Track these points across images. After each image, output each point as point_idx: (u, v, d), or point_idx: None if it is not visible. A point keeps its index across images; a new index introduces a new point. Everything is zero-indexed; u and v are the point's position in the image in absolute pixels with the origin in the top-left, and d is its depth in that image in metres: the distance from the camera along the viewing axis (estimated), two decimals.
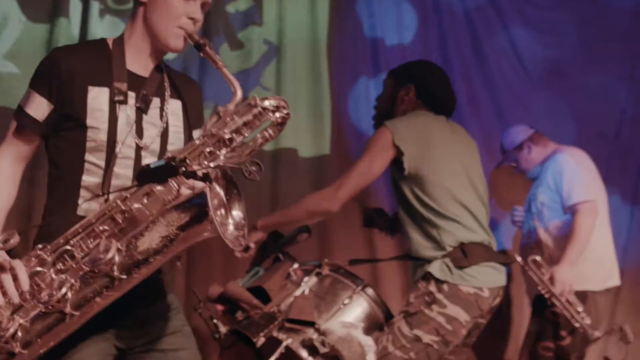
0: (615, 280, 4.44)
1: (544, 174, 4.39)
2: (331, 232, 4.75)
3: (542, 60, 5.49)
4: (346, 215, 4.75)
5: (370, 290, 3.24)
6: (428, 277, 3.13)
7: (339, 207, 3.19)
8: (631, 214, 5.53)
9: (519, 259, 4.18)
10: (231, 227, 2.03)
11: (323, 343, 2.95)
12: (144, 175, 1.96)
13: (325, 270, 3.25)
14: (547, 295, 4.06)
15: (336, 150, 4.82)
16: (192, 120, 2.34)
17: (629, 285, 5.48)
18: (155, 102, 2.27)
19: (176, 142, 2.28)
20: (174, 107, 2.31)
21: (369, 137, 4.75)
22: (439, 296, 3.09)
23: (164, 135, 2.26)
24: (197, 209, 1.94)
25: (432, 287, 3.11)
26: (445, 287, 3.10)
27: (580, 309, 4.10)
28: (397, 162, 3.21)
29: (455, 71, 5.06)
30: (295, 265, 3.27)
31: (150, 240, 1.96)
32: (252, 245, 3.29)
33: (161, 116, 2.26)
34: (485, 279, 3.16)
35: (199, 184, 1.97)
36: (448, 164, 3.24)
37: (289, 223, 3.32)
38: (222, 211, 2.02)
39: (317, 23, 4.97)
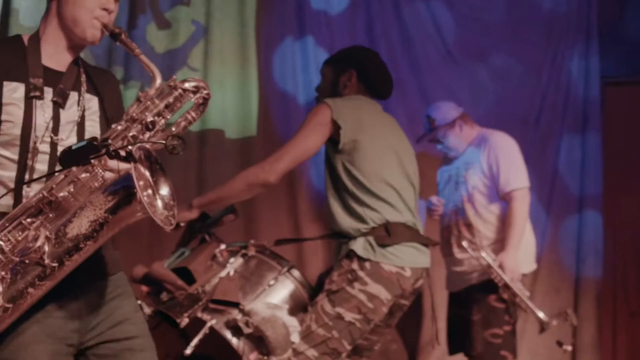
0: (534, 264, 4.52)
1: (475, 157, 4.36)
2: (257, 213, 4.77)
3: (467, 45, 5.58)
4: (271, 196, 4.80)
5: (296, 272, 3.28)
6: (351, 254, 3.17)
7: (277, 179, 3.18)
8: (550, 197, 5.68)
9: (465, 243, 4.19)
10: (160, 207, 2.03)
11: (247, 324, 2.97)
12: (66, 157, 1.95)
13: (251, 252, 3.26)
14: (500, 283, 4.10)
15: (263, 132, 4.82)
16: (110, 113, 2.32)
17: (546, 265, 5.65)
18: (73, 96, 2.24)
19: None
20: (91, 102, 2.29)
21: (296, 119, 4.85)
22: (361, 274, 3.13)
23: (80, 130, 2.24)
24: (124, 191, 1.94)
25: (355, 265, 3.14)
26: (367, 265, 3.14)
27: (528, 293, 4.23)
28: (332, 137, 3.25)
29: (382, 54, 5.06)
30: (222, 247, 3.28)
31: (79, 226, 1.95)
32: (182, 224, 3.28)
33: (78, 111, 2.25)
34: (408, 259, 3.21)
35: (124, 166, 1.97)
36: (380, 145, 3.30)
37: (226, 198, 3.29)
38: (150, 191, 2.02)
39: (246, 4, 4.95)
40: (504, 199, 4.28)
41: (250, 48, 4.88)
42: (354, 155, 3.23)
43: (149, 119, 2.07)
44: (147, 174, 2.03)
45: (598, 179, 5.79)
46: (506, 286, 4.16)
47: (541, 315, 4.19)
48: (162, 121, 2.09)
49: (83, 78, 2.28)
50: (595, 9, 5.75)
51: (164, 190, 2.06)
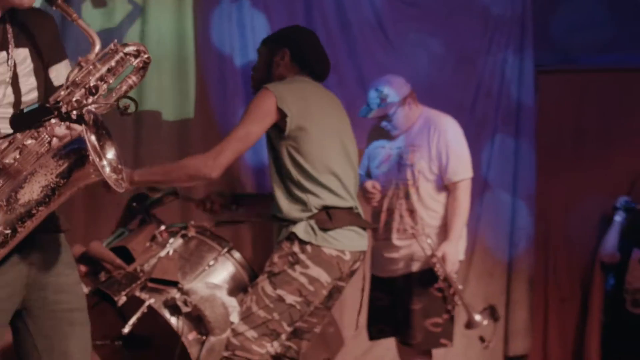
0: (463, 254, 4.41)
1: (422, 140, 4.24)
2: (194, 195, 4.70)
3: (404, 31, 5.60)
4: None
5: (236, 253, 3.27)
6: (292, 237, 3.16)
7: (219, 174, 3.16)
8: (484, 184, 5.75)
9: (413, 232, 4.13)
10: (108, 171, 2.00)
11: (185, 302, 2.95)
12: (18, 121, 1.91)
13: (192, 232, 3.24)
14: (441, 275, 4.09)
15: (200, 114, 4.76)
16: (47, 58, 2.23)
17: (480, 250, 5.72)
18: (2, 56, 2.17)
19: (29, 92, 2.20)
20: (22, 56, 2.20)
21: (233, 102, 4.81)
22: (302, 257, 3.13)
23: (16, 89, 2.16)
24: (75, 154, 1.92)
25: (296, 248, 3.14)
26: (308, 248, 3.14)
27: (461, 286, 4.24)
28: (276, 124, 3.22)
29: (320, 39, 5.06)
30: (162, 228, 3.24)
31: (30, 192, 1.92)
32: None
33: (8, 70, 2.17)
34: (348, 242, 3.23)
35: (75, 128, 1.94)
36: (325, 129, 3.28)
37: (167, 182, 3.27)
38: (98, 155, 2.00)
39: None
40: (448, 188, 4.23)
41: (187, 28, 4.80)
42: (299, 142, 3.21)
43: (92, 83, 2.03)
44: (93, 137, 1.99)
45: (531, 166, 5.89)
46: (446, 279, 4.13)
47: (478, 317, 4.20)
48: (105, 85, 2.05)
49: (10, 34, 2.19)
50: None
51: (111, 153, 2.03)
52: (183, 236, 3.23)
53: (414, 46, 5.61)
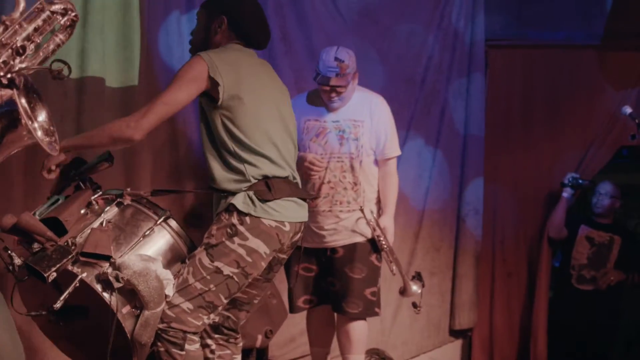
0: None
1: (363, 115, 4.35)
2: (140, 167, 4.63)
3: (355, 3, 5.55)
4: (156, 150, 4.68)
5: (173, 222, 3.19)
6: (231, 209, 3.12)
7: (142, 136, 3.08)
8: (433, 157, 5.75)
9: (360, 205, 4.30)
10: (41, 134, 1.94)
11: (117, 278, 2.88)
12: None
13: (127, 200, 3.16)
14: (385, 247, 4.29)
15: (145, 81, 4.66)
16: None
17: (428, 225, 5.74)
18: None
19: None
20: None
21: (177, 69, 4.71)
22: (241, 228, 3.08)
23: None
24: (6, 117, 1.86)
25: (235, 220, 3.10)
26: (247, 219, 3.09)
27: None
28: (208, 93, 3.15)
29: (269, 8, 5.01)
30: (98, 193, 3.16)
31: None
32: (53, 167, 3.14)
33: None
34: (287, 213, 3.19)
35: (5, 92, 1.87)
36: (260, 98, 3.22)
37: (90, 147, 3.19)
38: (29, 119, 1.93)
39: None
40: (380, 164, 4.41)
41: None
42: (234, 111, 3.14)
43: (19, 43, 1.96)
44: (24, 100, 1.93)
45: (480, 141, 5.91)
46: (389, 250, 4.31)
47: (414, 287, 4.34)
48: (32, 45, 1.98)
49: None
50: None
51: (42, 116, 1.97)
52: (118, 204, 3.15)
53: (364, 18, 5.56)
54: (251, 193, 3.12)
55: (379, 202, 4.44)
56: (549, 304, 5.92)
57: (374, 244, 4.35)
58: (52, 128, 2.00)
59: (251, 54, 3.36)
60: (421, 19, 5.72)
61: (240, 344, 3.48)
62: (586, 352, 5.77)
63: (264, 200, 3.12)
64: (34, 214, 3.03)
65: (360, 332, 4.37)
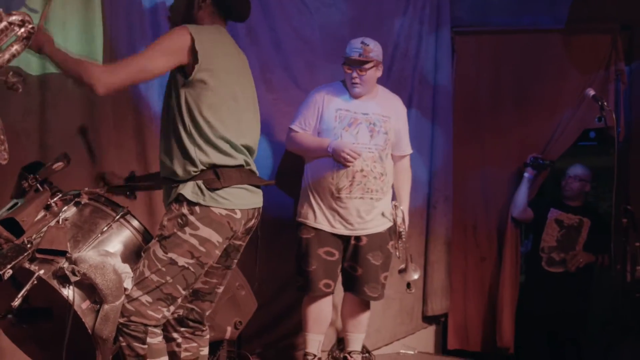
0: None
1: (390, 111, 4.70)
2: (106, 163, 4.63)
3: None
4: (121, 144, 4.67)
5: (132, 219, 3.20)
6: (180, 199, 3.10)
7: (105, 92, 3.00)
8: None
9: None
10: None
11: (74, 272, 2.88)
12: None
13: (84, 199, 3.16)
14: (404, 234, 4.67)
15: None
16: None
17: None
18: None
19: None
20: None
21: None
22: (192, 218, 3.07)
23: None
24: None
25: (185, 210, 3.09)
26: (197, 209, 3.08)
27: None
28: (183, 67, 3.11)
29: None
30: (58, 196, 3.17)
31: None
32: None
33: None
34: (238, 201, 3.17)
35: None
36: (229, 84, 3.19)
37: (64, 69, 3.01)
38: None
39: None
40: (396, 159, 4.83)
41: None
42: (199, 92, 3.10)
43: None
44: None
45: (448, 127, 5.93)
46: (406, 238, 4.69)
47: (415, 275, 4.74)
48: None
49: None
50: None
51: None
52: (76, 204, 3.16)
53: (329, 8, 5.56)
54: (200, 182, 3.09)
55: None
56: (520, 288, 5.96)
57: (390, 233, 4.72)
58: (2, 137, 2.00)
59: (228, 36, 3.32)
60: (386, 7, 5.73)
61: (207, 336, 3.49)
62: (558, 335, 5.81)
63: (212, 189, 3.09)
64: None
65: (369, 314, 4.90)
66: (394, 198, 4.82)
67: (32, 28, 2.06)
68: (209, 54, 3.10)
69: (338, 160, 4.46)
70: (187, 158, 3.12)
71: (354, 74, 4.57)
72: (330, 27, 5.52)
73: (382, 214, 4.68)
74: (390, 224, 4.71)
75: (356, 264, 4.68)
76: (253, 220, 3.32)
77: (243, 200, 3.21)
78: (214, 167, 3.13)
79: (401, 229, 4.66)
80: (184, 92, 3.12)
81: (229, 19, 3.38)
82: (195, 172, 3.11)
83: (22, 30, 2.06)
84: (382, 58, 4.68)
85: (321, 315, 4.73)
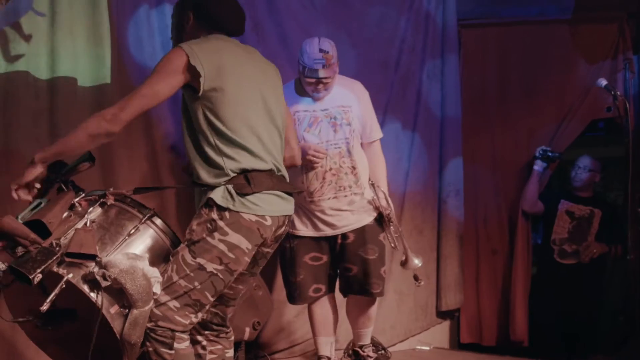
0: None
1: (349, 101, 4.46)
2: (115, 163, 4.59)
3: None
4: (129, 144, 4.63)
5: (158, 220, 3.14)
6: (210, 204, 3.04)
7: (120, 129, 2.97)
8: (411, 140, 5.74)
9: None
10: None
11: (104, 276, 2.82)
12: None
13: (110, 200, 3.10)
14: (392, 219, 4.48)
15: (117, 79, 4.62)
16: None
17: (409, 208, 5.73)
18: None
19: None
20: None
21: (152, 60, 4.67)
22: (221, 224, 3.01)
23: None
24: None
25: (214, 215, 3.03)
26: (227, 214, 3.02)
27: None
28: (189, 84, 3.07)
29: None
30: (81, 196, 3.11)
31: None
32: (36, 184, 3.07)
33: None
34: (268, 207, 3.11)
35: None
36: (243, 88, 3.13)
37: (69, 150, 3.05)
38: None
39: None
40: (366, 147, 4.58)
41: None
42: (215, 102, 3.05)
43: None
44: None
45: (458, 121, 5.90)
46: (396, 224, 4.50)
47: (416, 260, 4.50)
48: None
49: None
50: None
51: None
52: (101, 204, 3.10)
53: (335, 4, 5.53)
54: (230, 187, 3.03)
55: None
56: (532, 280, 5.94)
57: (380, 224, 4.52)
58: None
59: (234, 42, 3.27)
60: (392, 2, 5.70)
61: (232, 338, 3.44)
62: (571, 327, 5.79)
63: (243, 194, 3.03)
64: (17, 218, 2.96)
65: (376, 308, 4.71)
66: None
67: None
68: (210, 64, 3.05)
69: (305, 163, 4.28)
70: (215, 168, 3.08)
71: (319, 87, 4.37)
72: (337, 23, 5.48)
73: (360, 207, 4.46)
74: (376, 213, 4.51)
75: (349, 263, 4.49)
76: (283, 228, 3.26)
77: (274, 207, 3.14)
78: (244, 172, 3.07)
79: (388, 211, 4.47)
80: (199, 108, 3.08)
81: (222, 32, 3.29)
82: (226, 180, 3.06)
83: None
84: (336, 53, 4.40)
85: (326, 318, 4.64)
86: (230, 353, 3.42)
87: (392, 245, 4.50)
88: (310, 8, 5.50)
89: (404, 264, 4.50)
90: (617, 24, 5.78)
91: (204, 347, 3.34)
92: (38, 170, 3.03)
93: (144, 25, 4.78)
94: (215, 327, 3.36)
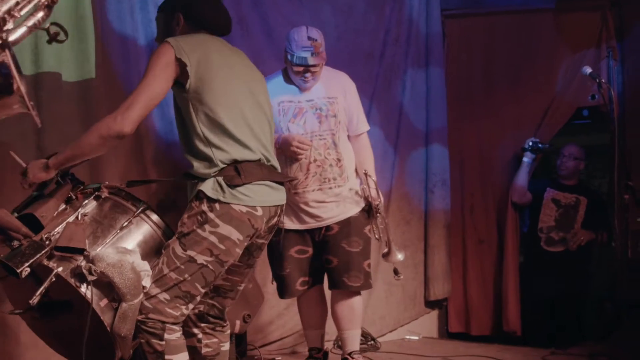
0: None
1: (336, 92, 4.40)
2: (101, 158, 4.57)
3: None
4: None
5: (152, 214, 3.14)
6: (200, 196, 3.04)
7: (132, 129, 2.97)
8: (397, 132, 5.76)
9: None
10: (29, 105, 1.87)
11: (90, 270, 2.82)
12: None
13: (105, 193, 3.10)
14: (381, 210, 4.40)
15: (102, 74, 4.60)
16: None
17: (396, 199, 5.75)
18: None
19: None
20: None
21: (135, 54, 4.67)
22: (211, 215, 3.01)
23: None
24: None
25: (205, 207, 3.03)
26: (217, 206, 3.02)
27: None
28: (178, 79, 3.08)
29: None
30: (80, 188, 3.11)
31: None
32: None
33: None
34: (259, 198, 3.11)
35: None
36: (229, 79, 3.15)
37: (82, 155, 3.04)
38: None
39: None
40: (353, 139, 4.50)
41: None
42: (202, 93, 3.06)
43: (0, 14, 1.89)
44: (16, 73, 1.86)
45: (443, 111, 5.93)
46: (383, 215, 4.42)
47: (399, 255, 4.38)
48: (12, 20, 1.92)
49: None
50: None
51: (24, 90, 1.91)
52: (96, 198, 3.10)
53: None
54: (220, 179, 3.04)
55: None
56: (519, 269, 5.97)
57: (367, 215, 4.45)
58: (31, 102, 1.96)
59: (221, 40, 3.29)
60: None
61: (228, 332, 3.44)
62: (560, 313, 5.82)
63: (233, 186, 3.03)
64: (14, 210, 2.98)
65: (360, 306, 4.52)
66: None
67: None
68: (195, 54, 3.06)
69: (289, 154, 4.26)
70: (205, 161, 3.08)
71: (307, 75, 4.31)
72: (321, 15, 5.49)
73: (345, 198, 4.40)
74: (362, 204, 4.45)
75: (330, 255, 4.40)
76: (276, 218, 3.26)
77: (264, 197, 3.14)
78: (234, 163, 3.08)
79: (377, 202, 4.39)
80: (189, 102, 3.09)
81: (211, 33, 3.30)
82: (215, 171, 3.06)
83: None
84: (324, 42, 4.37)
85: (315, 310, 4.62)
86: (225, 347, 3.42)
87: (377, 237, 4.42)
88: (295, 1, 5.50)
89: (386, 256, 4.39)
90: (600, 12, 5.82)
91: (199, 340, 3.34)
92: (50, 174, 3.05)
93: (127, 19, 4.76)
94: (212, 320, 3.36)
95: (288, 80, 4.42)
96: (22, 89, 1.85)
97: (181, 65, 3.04)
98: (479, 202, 6.05)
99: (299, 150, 4.26)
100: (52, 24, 1.86)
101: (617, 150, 4.65)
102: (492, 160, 6.02)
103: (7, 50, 1.81)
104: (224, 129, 3.08)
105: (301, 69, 4.28)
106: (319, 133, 4.36)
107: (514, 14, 5.96)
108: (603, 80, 4.66)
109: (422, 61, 5.87)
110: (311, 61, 4.25)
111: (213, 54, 3.14)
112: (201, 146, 3.08)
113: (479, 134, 6.02)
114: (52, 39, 1.86)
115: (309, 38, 4.27)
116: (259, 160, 3.17)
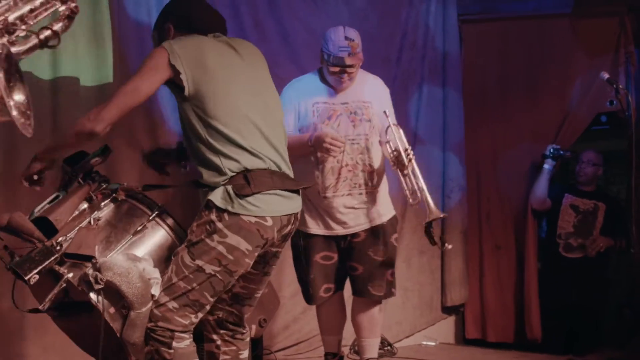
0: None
1: (370, 96, 4.33)
2: (118, 160, 4.59)
3: None
4: (134, 144, 4.63)
5: (167, 218, 3.11)
6: (210, 205, 3.00)
7: (103, 129, 2.93)
8: (414, 136, 5.74)
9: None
10: (16, 113, 1.86)
11: (97, 279, 2.81)
12: None
13: (121, 196, 3.09)
14: (410, 157, 4.24)
15: (119, 79, 4.62)
16: None
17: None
18: None
19: None
20: None
21: None
22: (220, 225, 2.97)
23: None
24: None
25: (213, 216, 2.98)
26: (225, 216, 2.98)
27: None
28: (177, 85, 3.04)
29: None
30: (102, 187, 3.10)
31: None
32: (35, 177, 3.08)
33: None
34: (269, 208, 3.05)
35: None
36: (231, 81, 3.07)
37: (59, 147, 3.09)
38: (6, 94, 1.86)
39: None
40: (384, 145, 4.35)
41: None
42: (203, 100, 3.01)
43: (10, 20, 1.87)
44: (2, 75, 1.85)
45: (459, 117, 5.92)
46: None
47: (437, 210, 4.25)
48: (24, 27, 1.90)
49: None
50: None
51: (19, 96, 1.89)
52: (114, 200, 3.08)
53: (336, 1, 5.54)
54: (230, 188, 2.98)
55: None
56: (538, 274, 5.93)
57: (392, 225, 4.40)
58: (29, 112, 1.93)
59: (216, 38, 3.21)
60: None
61: (247, 339, 3.40)
62: (578, 320, 5.78)
63: (242, 196, 2.97)
64: (32, 212, 2.97)
65: (380, 315, 4.49)
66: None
67: (76, 7, 1.98)
68: (191, 60, 3.01)
69: (321, 152, 4.16)
70: (214, 168, 3.03)
71: (344, 76, 4.23)
72: (338, 19, 5.48)
73: (375, 206, 4.33)
74: (393, 213, 4.42)
75: (355, 262, 4.36)
76: (289, 227, 3.19)
77: (275, 207, 3.08)
78: (244, 172, 3.02)
79: (407, 148, 4.23)
80: (190, 108, 3.04)
81: (204, 34, 3.22)
82: (225, 180, 3.01)
83: (65, 7, 1.97)
84: (361, 43, 4.30)
85: (334, 316, 4.56)
86: (244, 355, 3.36)
87: (410, 199, 4.27)
88: (310, 4, 5.51)
89: (428, 214, 4.22)
90: (618, 17, 5.79)
91: (218, 347, 3.31)
92: (37, 165, 3.06)
93: (146, 24, 4.78)
94: (231, 327, 3.32)
95: (323, 80, 4.34)
96: (8, 99, 1.84)
97: (174, 71, 3.00)
98: (495, 207, 6.03)
99: (332, 147, 4.13)
100: (42, 28, 1.84)
101: (635, 156, 4.61)
102: (508, 165, 5.99)
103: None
104: (230, 138, 3.01)
105: (337, 69, 4.21)
106: (352, 137, 4.27)
107: (530, 19, 5.95)
108: (621, 86, 4.63)
109: (439, 66, 5.87)
110: (348, 61, 4.18)
111: (209, 55, 3.07)
112: (209, 155, 3.03)
113: (496, 140, 6.00)
114: (43, 44, 1.84)
115: (346, 38, 4.20)
116: (269, 167, 3.10)
